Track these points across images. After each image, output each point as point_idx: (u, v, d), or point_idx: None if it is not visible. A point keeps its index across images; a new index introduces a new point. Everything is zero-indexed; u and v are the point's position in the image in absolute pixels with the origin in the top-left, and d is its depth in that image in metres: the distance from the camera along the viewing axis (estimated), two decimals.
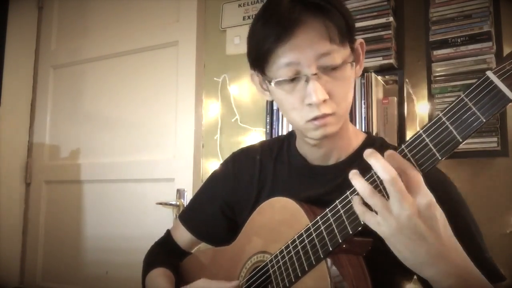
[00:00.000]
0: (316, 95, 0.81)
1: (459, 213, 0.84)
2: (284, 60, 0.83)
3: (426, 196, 0.64)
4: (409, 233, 0.64)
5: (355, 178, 0.68)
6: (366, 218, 0.67)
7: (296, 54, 0.82)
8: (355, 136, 0.96)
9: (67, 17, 2.73)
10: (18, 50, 2.66)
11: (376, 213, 0.66)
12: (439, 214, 0.65)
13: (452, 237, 0.67)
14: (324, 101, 0.82)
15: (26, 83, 2.73)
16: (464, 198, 0.89)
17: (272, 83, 0.86)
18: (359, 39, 0.90)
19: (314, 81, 0.81)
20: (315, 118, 0.84)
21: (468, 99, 0.62)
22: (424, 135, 0.65)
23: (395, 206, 0.63)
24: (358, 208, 0.69)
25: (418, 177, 0.65)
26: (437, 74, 1.63)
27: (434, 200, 0.65)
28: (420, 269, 0.67)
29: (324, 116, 0.84)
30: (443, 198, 0.68)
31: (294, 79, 0.84)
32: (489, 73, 0.61)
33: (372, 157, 0.65)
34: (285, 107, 0.88)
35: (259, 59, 0.87)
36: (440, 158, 0.64)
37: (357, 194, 0.69)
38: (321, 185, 0.92)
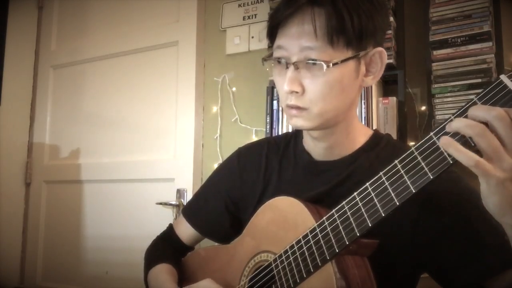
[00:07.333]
0: (287, 84, 0.84)
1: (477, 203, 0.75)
2: (278, 41, 0.87)
3: None
4: None
5: (456, 121, 0.60)
6: (479, 164, 0.58)
7: (286, 39, 0.85)
8: (362, 133, 0.96)
9: (67, 17, 2.72)
10: (18, 50, 2.66)
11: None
12: None
13: None
14: (297, 93, 0.84)
15: (26, 83, 2.73)
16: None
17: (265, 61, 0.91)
18: (378, 48, 0.86)
19: (290, 70, 0.84)
20: (290, 107, 0.86)
21: (481, 102, 0.61)
22: (434, 138, 0.64)
23: None
24: (458, 149, 0.59)
25: None
26: (437, 74, 1.63)
27: None
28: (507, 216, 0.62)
29: (293, 107, 0.86)
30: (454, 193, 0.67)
31: (282, 63, 0.86)
32: (503, 77, 0.60)
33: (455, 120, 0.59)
34: (277, 87, 0.91)
35: (270, 32, 0.90)
36: (451, 162, 0.62)
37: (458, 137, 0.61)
38: (325, 181, 0.92)
